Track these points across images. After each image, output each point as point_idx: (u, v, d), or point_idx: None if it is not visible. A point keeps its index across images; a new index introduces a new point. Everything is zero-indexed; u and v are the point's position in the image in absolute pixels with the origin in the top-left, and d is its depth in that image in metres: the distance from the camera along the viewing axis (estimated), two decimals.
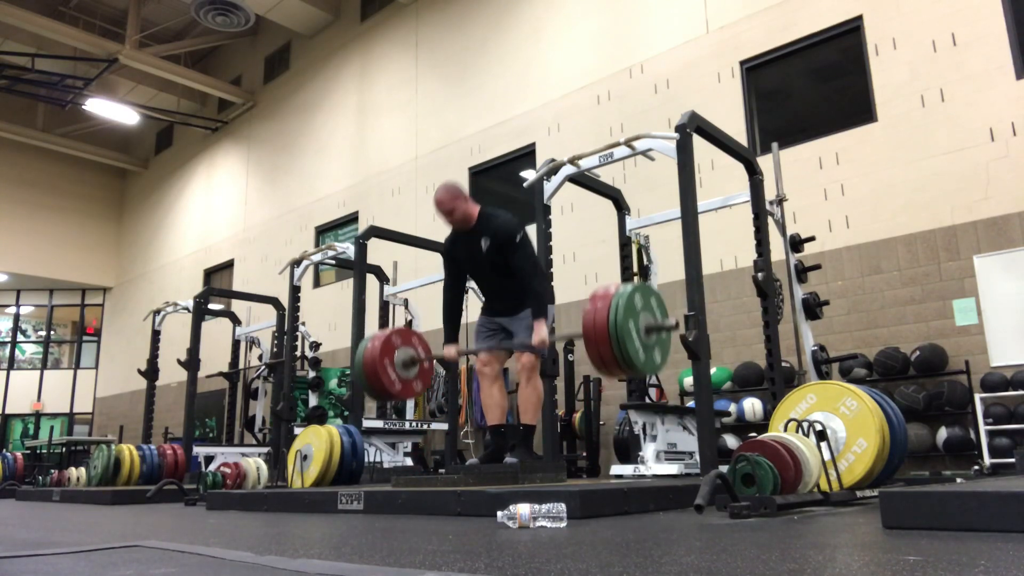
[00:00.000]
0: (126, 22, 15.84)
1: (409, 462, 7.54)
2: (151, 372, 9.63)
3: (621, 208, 6.45)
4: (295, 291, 7.80)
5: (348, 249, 7.46)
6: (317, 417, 8.56)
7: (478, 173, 11.67)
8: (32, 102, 18.46)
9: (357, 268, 7.10)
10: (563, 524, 2.71)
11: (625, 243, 6.35)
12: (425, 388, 5.09)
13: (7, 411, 20.33)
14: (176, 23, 17.24)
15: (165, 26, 17.14)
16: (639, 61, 9.82)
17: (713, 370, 6.78)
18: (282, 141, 15.92)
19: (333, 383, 11.27)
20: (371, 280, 7.62)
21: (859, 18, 7.98)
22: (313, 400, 9.29)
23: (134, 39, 15.52)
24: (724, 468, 3.21)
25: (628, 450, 6.93)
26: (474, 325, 4.72)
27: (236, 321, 10.71)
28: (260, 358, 10.45)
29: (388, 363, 4.73)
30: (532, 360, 4.39)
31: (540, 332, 4.08)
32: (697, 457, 4.78)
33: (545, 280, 4.34)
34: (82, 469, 8.46)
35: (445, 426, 7.66)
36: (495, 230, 4.28)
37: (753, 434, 6.81)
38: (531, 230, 6.86)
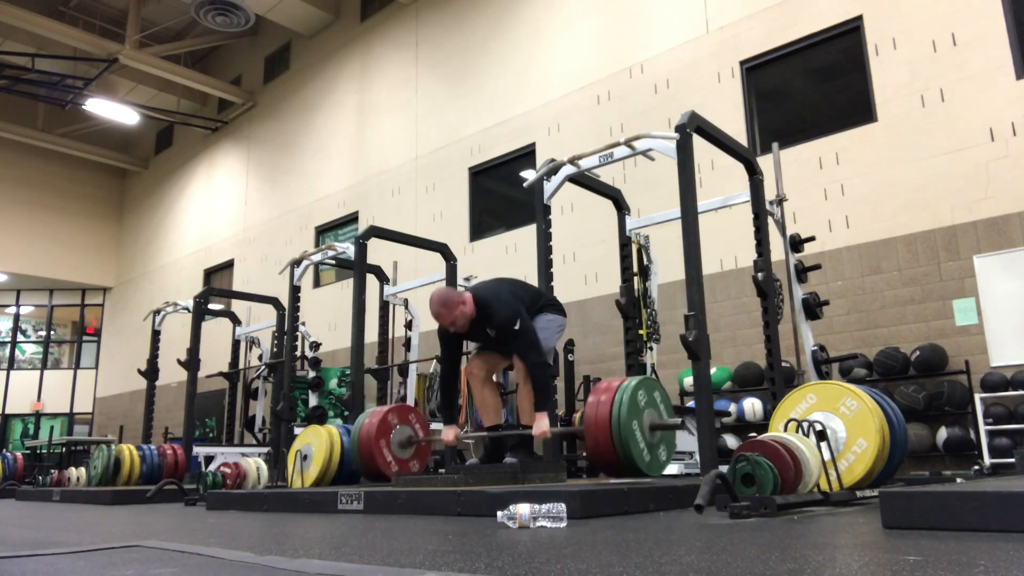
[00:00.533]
0: (126, 22, 15.84)
1: None
2: (151, 372, 9.63)
3: (621, 208, 6.45)
4: (295, 291, 7.80)
5: (348, 249, 7.46)
6: (317, 417, 8.55)
7: (478, 173, 11.67)
8: (32, 102, 18.46)
9: (357, 268, 7.09)
10: (563, 524, 2.71)
11: (625, 243, 6.35)
12: (422, 468, 5.16)
13: (7, 411, 20.33)
14: (176, 23, 17.25)
15: (165, 26, 17.15)
16: (639, 61, 9.82)
17: (713, 370, 6.78)
18: (282, 141, 15.92)
19: (333, 383, 11.27)
20: (371, 280, 7.62)
21: (859, 18, 7.98)
22: (313, 400, 9.29)
23: (134, 39, 15.52)
24: (724, 468, 3.21)
25: None
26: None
27: (236, 321, 10.71)
28: (260, 358, 10.45)
29: (384, 444, 4.79)
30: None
31: (541, 424, 4.10)
32: (697, 457, 4.78)
33: (548, 364, 4.35)
34: (82, 469, 8.46)
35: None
36: (497, 323, 4.27)
37: (753, 434, 6.81)
38: (531, 230, 6.86)
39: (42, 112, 19.03)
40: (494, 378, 4.79)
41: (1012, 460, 6.13)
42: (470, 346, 4.82)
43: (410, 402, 8.55)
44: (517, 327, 4.17)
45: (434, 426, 8.14)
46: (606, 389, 3.64)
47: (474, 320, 4.32)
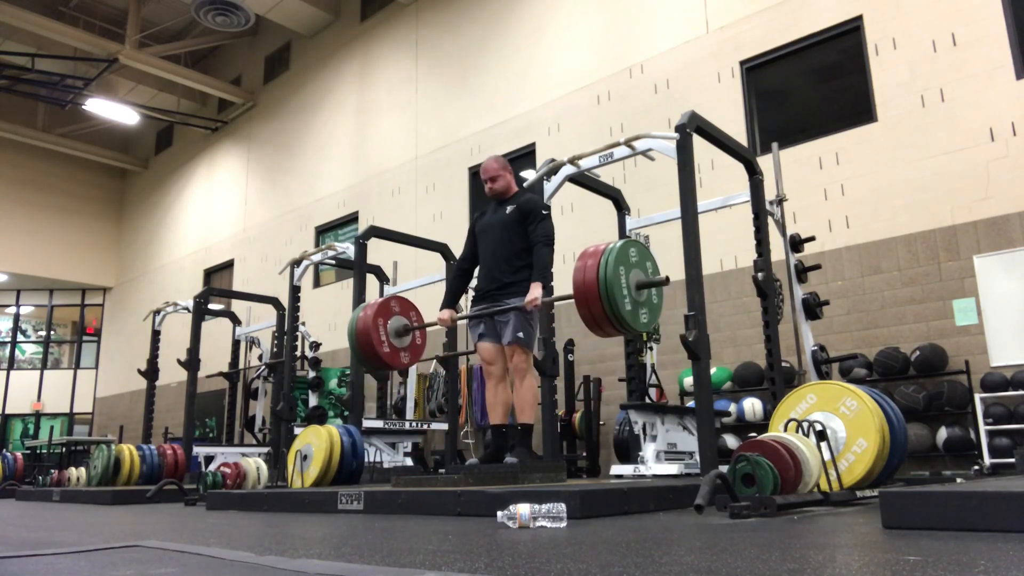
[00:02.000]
0: (126, 22, 15.84)
1: (409, 462, 7.54)
2: (151, 372, 9.63)
3: (621, 208, 6.45)
4: (295, 291, 7.80)
5: (348, 249, 7.46)
6: (317, 417, 8.55)
7: (478, 173, 11.65)
8: (32, 102, 18.46)
9: (357, 268, 7.09)
10: (563, 524, 2.71)
11: None
12: (413, 362, 5.12)
13: (7, 411, 20.33)
14: (176, 23, 17.24)
15: (165, 26, 17.14)
16: (639, 61, 9.82)
17: (713, 370, 6.78)
18: (282, 141, 15.92)
19: (333, 383, 11.28)
20: (371, 280, 7.62)
21: (859, 18, 7.98)
22: (313, 400, 9.29)
23: (134, 39, 15.51)
24: (724, 468, 3.21)
25: (628, 450, 6.93)
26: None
27: (236, 321, 10.71)
28: (260, 358, 10.45)
29: (383, 324, 4.73)
30: (523, 360, 4.41)
31: (535, 291, 4.26)
32: (697, 457, 4.78)
33: (552, 250, 4.51)
34: (82, 469, 8.46)
35: (445, 426, 7.65)
36: (524, 200, 4.56)
37: (753, 434, 6.81)
38: None
39: (42, 112, 19.03)
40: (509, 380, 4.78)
41: (1012, 460, 6.13)
42: (470, 346, 4.80)
43: (410, 403, 8.55)
44: (544, 212, 4.46)
45: (435, 425, 8.16)
46: (593, 253, 3.68)
47: (506, 201, 4.60)
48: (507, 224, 4.53)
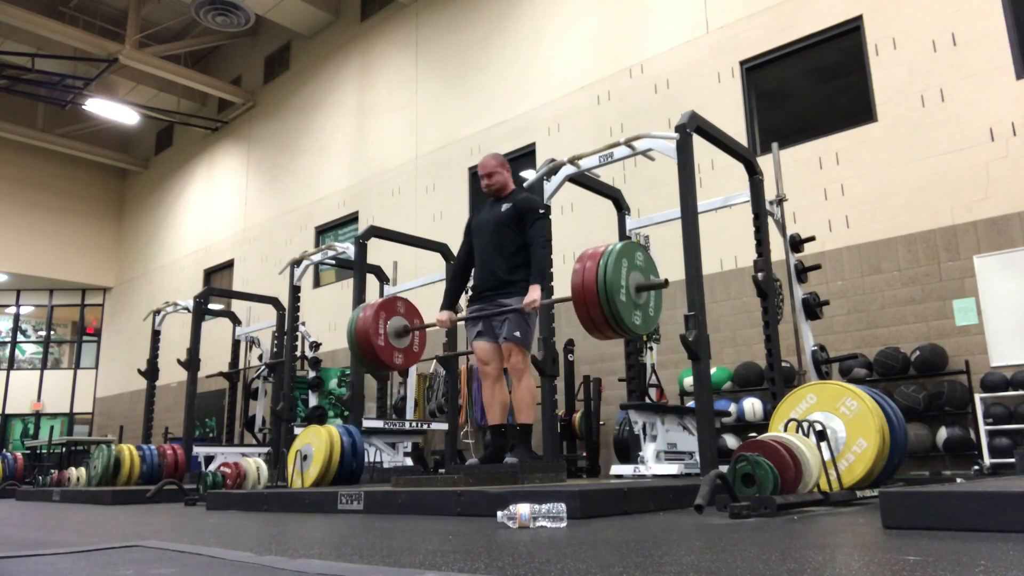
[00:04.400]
0: (126, 22, 15.84)
1: (409, 462, 7.54)
2: (151, 372, 9.63)
3: (621, 208, 6.45)
4: (295, 291, 7.80)
5: (348, 249, 7.46)
6: (317, 417, 8.55)
7: (478, 173, 11.66)
8: (32, 102, 18.46)
9: (357, 268, 7.09)
10: (563, 524, 2.71)
11: None
12: (412, 363, 5.11)
13: (7, 411, 20.33)
14: (176, 23, 17.24)
15: (165, 26, 17.15)
16: (639, 61, 9.82)
17: (713, 370, 6.77)
18: (282, 141, 15.92)
19: (333, 383, 11.27)
20: (371, 280, 7.62)
21: (859, 18, 7.98)
22: (313, 400, 9.28)
23: (134, 39, 15.52)
24: (724, 468, 3.21)
25: (628, 450, 6.93)
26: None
27: (236, 321, 10.71)
28: (260, 358, 10.44)
29: (384, 319, 4.73)
30: (520, 360, 4.39)
31: (533, 293, 4.25)
32: (697, 457, 4.78)
33: (549, 260, 4.55)
34: (82, 469, 8.46)
35: (445, 426, 7.65)
36: (522, 199, 4.55)
37: (753, 434, 6.81)
38: None
39: (42, 112, 19.03)
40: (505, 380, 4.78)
41: (1012, 460, 6.13)
42: (471, 347, 4.79)
43: (410, 403, 8.55)
44: (540, 212, 4.45)
45: (435, 426, 8.16)
46: (591, 255, 3.67)
47: (502, 199, 4.59)
48: (503, 222, 4.52)
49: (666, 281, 3.80)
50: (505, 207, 4.54)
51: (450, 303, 4.76)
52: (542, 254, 4.37)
